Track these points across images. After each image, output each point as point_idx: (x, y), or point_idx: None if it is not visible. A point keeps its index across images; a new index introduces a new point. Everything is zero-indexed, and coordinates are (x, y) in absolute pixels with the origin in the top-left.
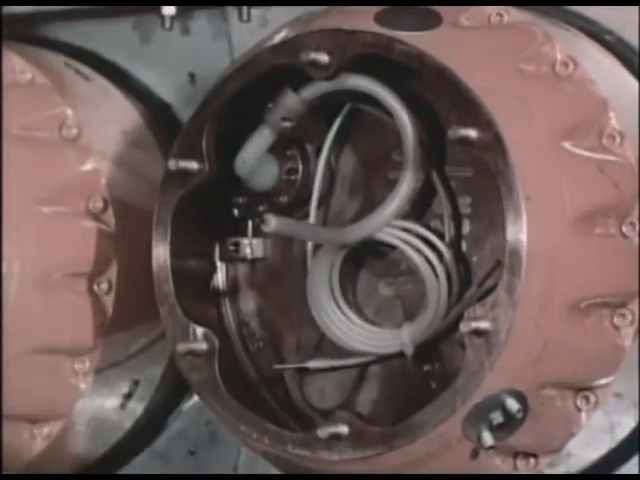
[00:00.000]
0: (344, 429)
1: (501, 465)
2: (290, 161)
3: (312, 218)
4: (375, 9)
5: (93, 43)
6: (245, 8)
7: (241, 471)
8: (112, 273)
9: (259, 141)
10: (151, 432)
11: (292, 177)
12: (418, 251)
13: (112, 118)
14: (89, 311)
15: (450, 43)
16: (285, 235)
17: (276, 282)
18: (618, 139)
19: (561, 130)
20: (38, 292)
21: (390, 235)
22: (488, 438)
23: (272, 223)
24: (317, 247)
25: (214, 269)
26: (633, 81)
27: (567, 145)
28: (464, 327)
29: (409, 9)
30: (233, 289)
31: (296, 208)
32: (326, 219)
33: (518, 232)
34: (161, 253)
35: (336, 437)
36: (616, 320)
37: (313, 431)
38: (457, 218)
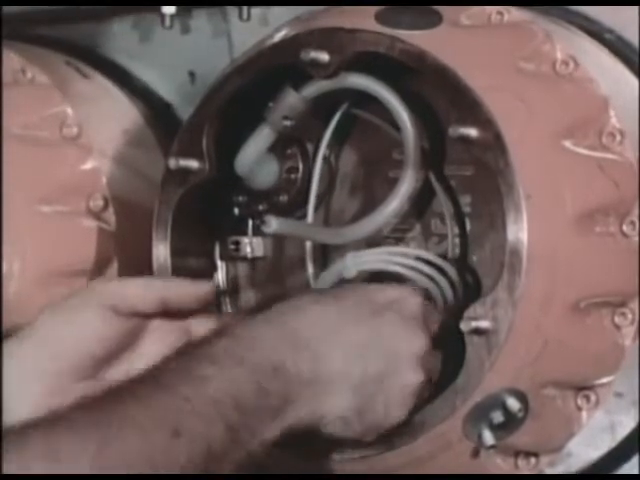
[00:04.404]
0: None
1: (502, 464)
2: (290, 160)
3: (310, 217)
4: (375, 8)
5: (93, 42)
6: (245, 7)
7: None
8: (112, 272)
9: (259, 140)
10: None
11: (292, 176)
12: (420, 273)
13: (112, 117)
14: None
15: (450, 42)
16: (286, 236)
17: (276, 281)
18: (618, 138)
19: (561, 129)
20: (38, 291)
21: (387, 263)
22: (489, 437)
23: (273, 224)
24: (317, 247)
25: (214, 268)
26: (633, 80)
27: (567, 144)
28: (464, 326)
29: (409, 8)
30: (233, 288)
31: (297, 207)
32: (327, 218)
33: (518, 231)
34: (161, 252)
35: None
36: (617, 319)
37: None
38: (458, 217)
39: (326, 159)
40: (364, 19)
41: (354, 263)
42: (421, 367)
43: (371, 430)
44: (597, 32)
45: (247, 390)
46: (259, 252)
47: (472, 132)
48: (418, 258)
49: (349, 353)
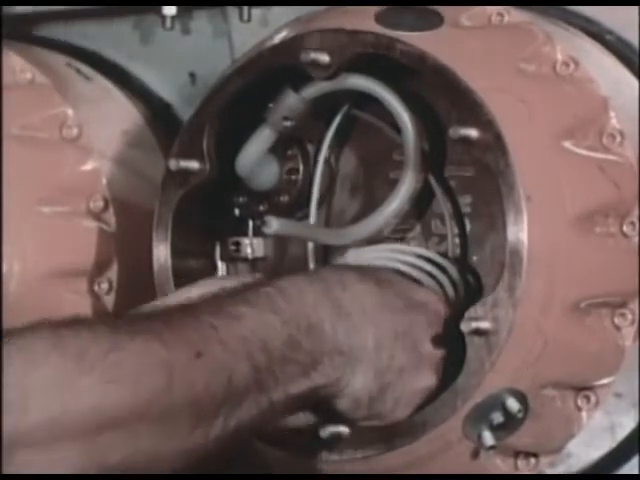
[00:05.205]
0: (345, 429)
1: (501, 465)
2: (291, 161)
3: (312, 218)
4: (375, 9)
5: (94, 43)
6: (246, 8)
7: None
8: (112, 273)
9: (260, 141)
10: None
11: (293, 177)
12: (422, 270)
13: (112, 118)
14: (89, 311)
15: (451, 43)
16: (286, 236)
17: None
18: (618, 138)
19: (561, 130)
20: (38, 292)
21: (388, 260)
22: (488, 438)
23: (274, 225)
24: (318, 247)
25: (215, 269)
26: (633, 80)
27: (567, 145)
28: (465, 327)
29: (410, 9)
30: None
31: (297, 208)
32: (328, 219)
33: (519, 232)
34: (162, 253)
35: (337, 437)
36: (616, 320)
37: (314, 430)
38: (458, 218)
39: (327, 160)
40: (364, 20)
41: (355, 260)
42: (436, 371)
43: (372, 420)
44: (597, 33)
45: (277, 338)
46: (259, 253)
47: (472, 133)
48: (419, 256)
49: (382, 337)
